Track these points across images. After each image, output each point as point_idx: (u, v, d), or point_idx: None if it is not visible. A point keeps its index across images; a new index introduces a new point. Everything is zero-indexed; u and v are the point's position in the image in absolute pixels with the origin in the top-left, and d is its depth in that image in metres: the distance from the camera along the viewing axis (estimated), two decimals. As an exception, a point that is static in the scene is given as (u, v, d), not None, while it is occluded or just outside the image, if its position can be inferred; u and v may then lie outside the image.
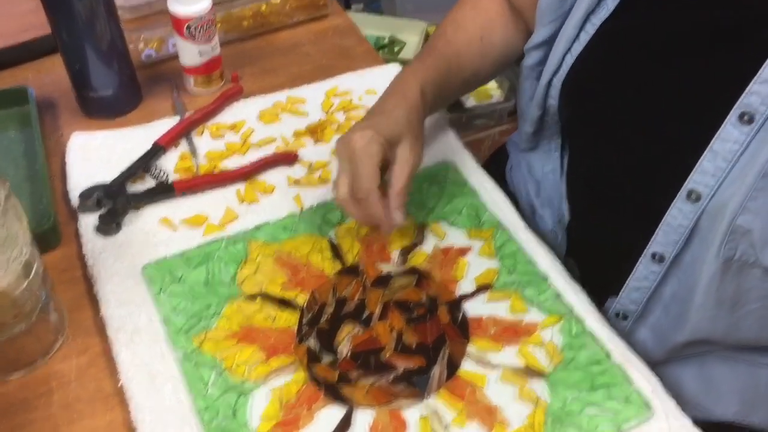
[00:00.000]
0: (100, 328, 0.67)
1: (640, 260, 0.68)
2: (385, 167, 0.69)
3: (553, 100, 0.75)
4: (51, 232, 0.73)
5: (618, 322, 0.74)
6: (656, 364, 0.71)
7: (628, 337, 0.74)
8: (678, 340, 0.69)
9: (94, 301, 0.69)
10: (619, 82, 0.68)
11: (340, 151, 0.68)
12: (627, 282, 0.71)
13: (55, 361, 0.65)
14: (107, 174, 0.78)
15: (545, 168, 0.84)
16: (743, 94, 0.58)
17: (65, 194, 0.78)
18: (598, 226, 0.77)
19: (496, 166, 1.02)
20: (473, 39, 0.81)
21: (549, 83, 0.74)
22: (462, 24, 0.82)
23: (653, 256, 0.67)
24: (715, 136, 0.59)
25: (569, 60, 0.71)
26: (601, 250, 0.78)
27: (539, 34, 0.75)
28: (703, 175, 0.61)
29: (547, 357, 0.65)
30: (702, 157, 0.60)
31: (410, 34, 1.88)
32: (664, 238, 0.65)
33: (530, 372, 0.64)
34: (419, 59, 0.79)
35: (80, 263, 0.73)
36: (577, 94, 0.72)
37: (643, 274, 0.69)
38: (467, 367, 0.64)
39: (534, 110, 0.78)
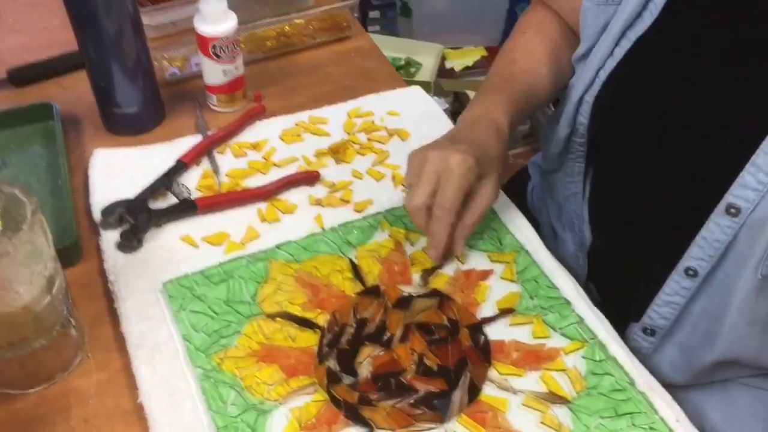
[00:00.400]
0: (120, 344, 0.67)
1: (671, 275, 0.68)
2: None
3: (584, 118, 0.75)
4: (73, 247, 0.73)
5: (645, 339, 0.73)
6: (679, 391, 0.71)
7: (655, 355, 0.73)
8: (707, 359, 0.68)
9: (114, 317, 0.69)
10: (654, 97, 0.68)
11: (433, 163, 0.67)
12: (657, 297, 0.70)
13: (75, 377, 0.65)
14: (129, 190, 0.78)
15: (567, 191, 0.84)
16: None
17: (87, 210, 0.78)
18: (623, 247, 0.77)
19: (517, 188, 1.02)
20: (543, 65, 0.82)
21: (580, 100, 0.74)
22: (530, 50, 0.83)
23: (686, 271, 0.66)
24: (758, 149, 0.59)
25: (602, 76, 0.71)
26: (624, 273, 0.78)
27: (582, 47, 0.75)
28: (744, 189, 0.60)
29: (569, 383, 0.64)
30: (743, 171, 0.60)
31: (426, 56, 1.89)
32: (699, 253, 0.65)
33: (553, 398, 0.63)
34: (499, 90, 0.78)
35: (101, 279, 0.73)
36: (609, 109, 0.72)
37: (674, 289, 0.68)
38: (489, 391, 0.63)
39: (563, 129, 0.78)
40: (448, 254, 0.72)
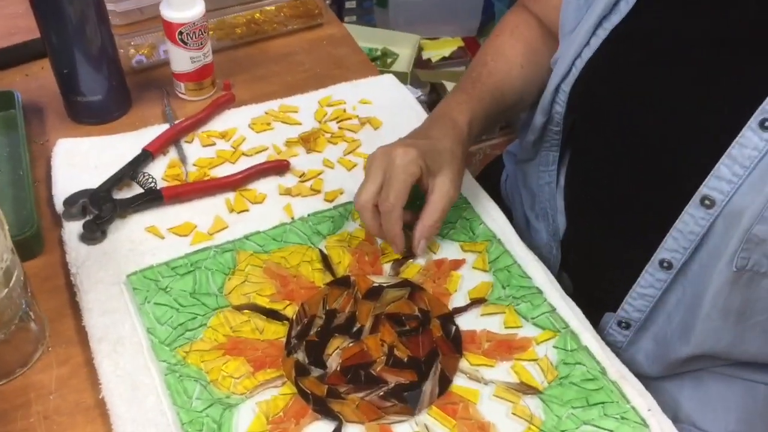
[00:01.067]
0: (82, 338, 0.65)
1: (646, 268, 0.67)
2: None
3: (560, 107, 0.74)
4: (34, 239, 0.71)
5: (620, 332, 0.73)
6: (653, 381, 0.70)
7: (630, 348, 0.73)
8: (682, 352, 0.68)
9: (76, 311, 0.67)
10: (630, 86, 0.68)
11: (377, 159, 0.67)
12: (632, 290, 0.69)
13: (35, 372, 0.63)
14: (93, 181, 0.76)
15: (541, 180, 0.83)
16: (766, 101, 0.57)
17: (50, 201, 0.76)
18: (597, 237, 0.76)
19: (490, 177, 1.01)
20: (514, 67, 0.80)
21: (557, 89, 0.74)
22: (502, 52, 0.81)
23: (661, 263, 0.66)
24: (734, 141, 0.58)
25: (579, 65, 0.71)
26: (598, 263, 0.77)
27: (560, 49, 0.74)
28: (718, 180, 0.60)
29: (541, 373, 0.63)
30: (719, 163, 0.59)
31: (403, 47, 1.87)
32: (673, 245, 0.64)
33: (524, 388, 0.62)
34: (464, 90, 0.78)
35: (63, 271, 0.71)
36: (585, 98, 0.72)
37: (649, 281, 0.68)
38: (460, 382, 0.62)
39: (539, 117, 0.77)
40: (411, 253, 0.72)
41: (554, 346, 0.65)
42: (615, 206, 0.73)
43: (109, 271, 0.69)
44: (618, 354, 0.71)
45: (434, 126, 0.73)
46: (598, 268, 0.78)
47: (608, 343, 0.71)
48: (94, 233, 0.72)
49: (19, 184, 0.77)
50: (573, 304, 0.69)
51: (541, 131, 0.79)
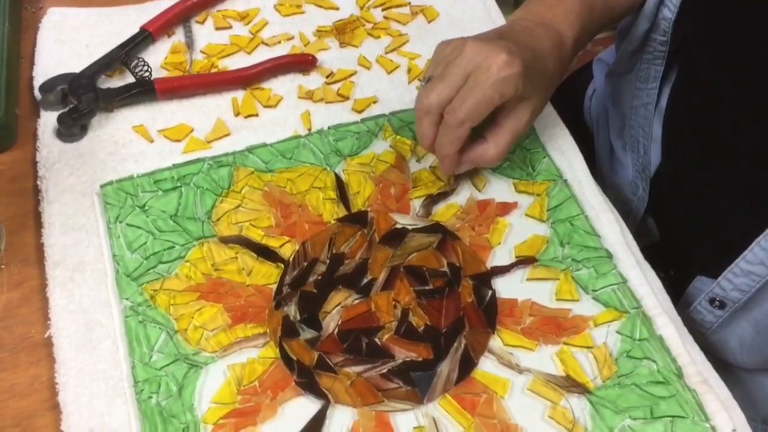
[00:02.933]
0: (42, 256, 0.54)
1: (758, 240, 0.52)
2: None
3: (669, 12, 0.58)
4: (2, 129, 0.60)
5: (711, 311, 0.58)
6: (746, 372, 0.57)
7: (721, 331, 0.59)
8: None
9: (41, 223, 0.56)
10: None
11: (466, 57, 0.51)
12: (734, 263, 0.55)
13: (-20, 294, 0.53)
14: (82, 62, 0.64)
15: (637, 100, 0.67)
16: None
17: (31, 83, 0.64)
18: (698, 183, 0.61)
19: (574, 89, 0.84)
20: None
21: None
22: None
23: None
24: None
25: None
26: (695, 214, 0.61)
27: None
28: None
29: (595, 366, 0.49)
30: None
31: None
32: None
33: (569, 384, 0.48)
34: None
35: (34, 172, 0.59)
36: (704, 4, 0.54)
37: (758, 257, 0.53)
38: (486, 367, 0.49)
39: (641, 23, 0.61)
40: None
41: (618, 332, 0.50)
42: (726, 149, 0.57)
43: (81, 177, 0.58)
44: (704, 336, 0.57)
45: (538, 35, 0.55)
46: (694, 219, 0.63)
47: (694, 322, 0.57)
48: (70, 128, 0.60)
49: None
50: (652, 273, 0.54)
51: (643, 40, 0.63)
